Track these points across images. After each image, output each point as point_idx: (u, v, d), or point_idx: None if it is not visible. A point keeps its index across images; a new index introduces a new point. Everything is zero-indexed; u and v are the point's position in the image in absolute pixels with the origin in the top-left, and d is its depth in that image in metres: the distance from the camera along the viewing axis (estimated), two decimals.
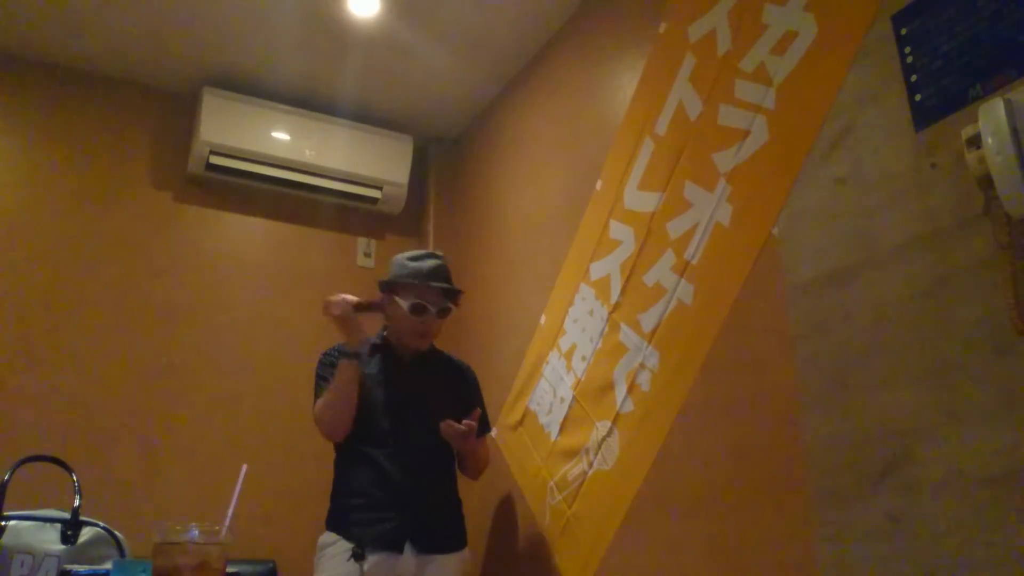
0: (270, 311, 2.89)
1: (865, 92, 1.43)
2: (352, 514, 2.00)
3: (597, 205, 2.21)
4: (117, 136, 2.81)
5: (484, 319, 2.81)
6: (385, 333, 2.23)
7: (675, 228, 1.87)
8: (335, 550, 1.95)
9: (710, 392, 1.70)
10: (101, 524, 1.56)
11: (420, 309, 2.10)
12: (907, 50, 1.36)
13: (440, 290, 2.12)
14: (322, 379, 2.13)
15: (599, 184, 2.22)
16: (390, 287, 2.13)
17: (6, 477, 1.51)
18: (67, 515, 1.52)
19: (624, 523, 1.87)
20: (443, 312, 2.16)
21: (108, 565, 1.40)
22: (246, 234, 2.96)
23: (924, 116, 1.32)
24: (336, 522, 2.01)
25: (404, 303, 2.09)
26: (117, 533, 1.57)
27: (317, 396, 2.12)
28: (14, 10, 2.50)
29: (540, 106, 2.67)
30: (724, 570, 1.60)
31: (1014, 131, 1.11)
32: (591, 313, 2.14)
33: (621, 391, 1.95)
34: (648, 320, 1.90)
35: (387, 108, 3.07)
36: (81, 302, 2.60)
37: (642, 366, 1.89)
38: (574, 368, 2.17)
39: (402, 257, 2.18)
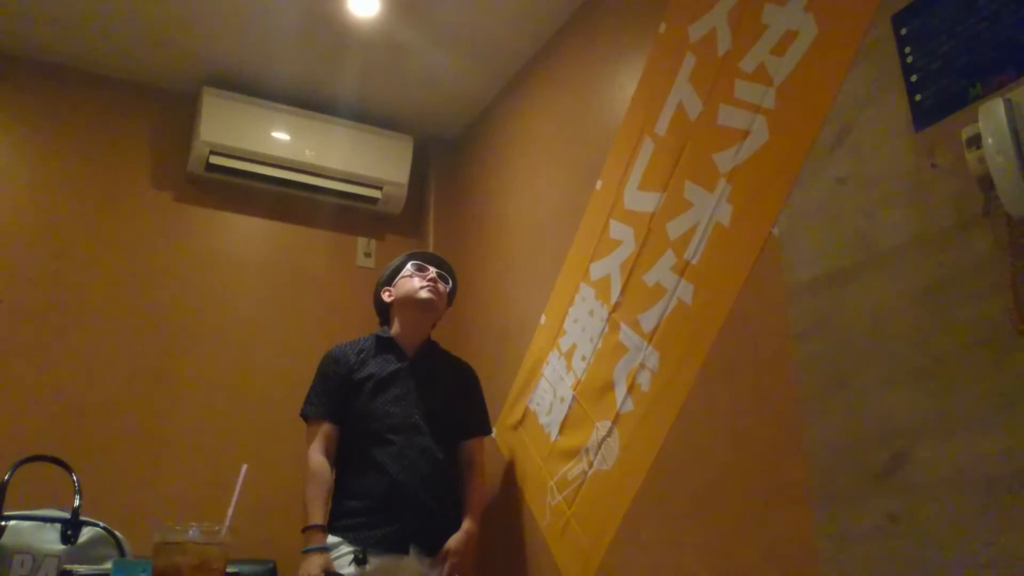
0: (270, 311, 2.88)
1: (865, 92, 1.43)
2: (355, 517, 1.99)
3: (597, 205, 2.21)
4: (117, 136, 2.81)
5: (484, 319, 2.81)
6: (392, 330, 2.24)
7: (675, 228, 1.87)
8: (337, 553, 1.95)
9: (710, 392, 1.70)
10: (101, 524, 1.56)
11: (422, 267, 2.29)
12: (907, 50, 1.36)
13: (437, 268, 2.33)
14: (316, 384, 2.17)
15: (599, 184, 2.22)
16: (390, 278, 2.31)
17: (6, 477, 1.51)
18: (67, 515, 1.52)
19: (624, 523, 1.87)
20: (443, 277, 2.30)
21: (108, 565, 1.40)
22: (246, 234, 2.96)
23: (924, 116, 1.32)
24: (339, 525, 2.00)
25: (407, 271, 2.27)
26: (117, 533, 1.57)
27: (308, 398, 2.15)
28: (14, 10, 2.50)
29: (540, 106, 2.67)
30: (724, 570, 1.60)
31: (1014, 131, 1.11)
32: (591, 313, 2.14)
33: (621, 391, 1.95)
34: (648, 320, 1.90)
35: (387, 108, 3.06)
36: (81, 302, 2.59)
37: (642, 366, 1.89)
38: (574, 368, 2.17)
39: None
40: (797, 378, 1.48)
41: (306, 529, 1.95)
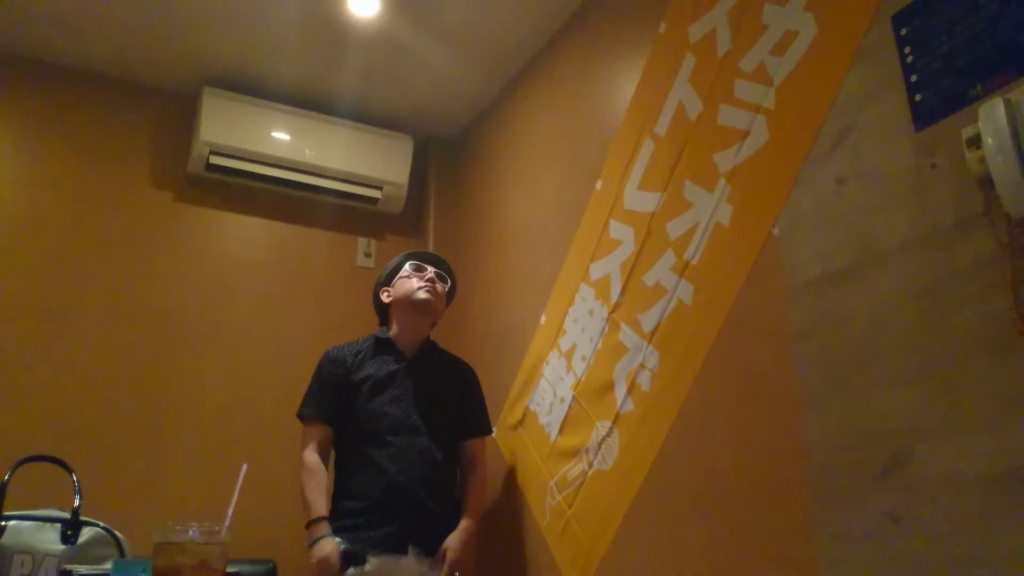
0: (270, 311, 2.88)
1: (865, 92, 1.43)
2: (354, 517, 1.99)
3: (597, 205, 2.21)
4: (117, 136, 2.81)
5: (484, 319, 2.81)
6: (391, 331, 2.24)
7: (675, 228, 1.87)
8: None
9: (710, 392, 1.70)
10: (101, 524, 1.56)
11: (420, 268, 2.27)
12: (907, 50, 1.36)
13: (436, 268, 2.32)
14: (313, 385, 2.17)
15: (599, 184, 2.22)
16: (389, 278, 2.30)
17: (6, 477, 1.51)
18: (67, 515, 1.53)
19: (624, 523, 1.87)
20: (441, 277, 2.28)
21: (108, 565, 1.40)
22: (246, 234, 2.96)
23: (924, 116, 1.32)
24: (338, 525, 2.00)
25: (405, 271, 2.26)
26: (117, 533, 1.57)
27: (305, 399, 2.15)
28: (14, 10, 2.50)
29: (540, 106, 2.67)
30: (724, 570, 1.60)
31: (1014, 131, 1.11)
32: (591, 313, 2.14)
33: (621, 391, 1.95)
34: (648, 320, 1.90)
35: (387, 108, 3.06)
36: (81, 302, 2.59)
37: (642, 366, 1.89)
38: (574, 368, 2.17)
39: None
40: (797, 378, 1.48)
41: (310, 523, 1.95)
